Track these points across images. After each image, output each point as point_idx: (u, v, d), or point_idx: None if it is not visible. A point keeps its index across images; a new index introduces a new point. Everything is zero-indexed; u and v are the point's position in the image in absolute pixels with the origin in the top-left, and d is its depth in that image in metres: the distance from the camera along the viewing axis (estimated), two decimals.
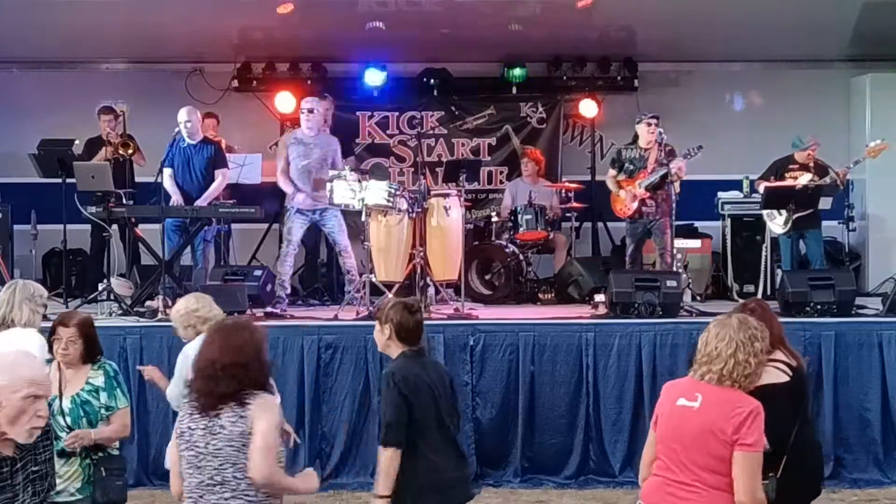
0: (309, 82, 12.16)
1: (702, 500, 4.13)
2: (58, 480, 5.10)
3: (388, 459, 4.90)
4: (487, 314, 9.35)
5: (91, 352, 5.38)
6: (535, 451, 8.48)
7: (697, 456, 4.13)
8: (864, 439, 8.42)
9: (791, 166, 10.14)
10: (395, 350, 5.14)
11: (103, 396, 5.34)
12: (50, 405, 5.07)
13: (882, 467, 8.42)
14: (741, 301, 10.24)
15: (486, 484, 8.33)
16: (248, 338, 4.33)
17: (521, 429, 8.42)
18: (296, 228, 9.77)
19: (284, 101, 11.99)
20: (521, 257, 10.74)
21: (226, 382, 4.21)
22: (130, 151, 10.63)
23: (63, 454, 5.19)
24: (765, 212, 10.16)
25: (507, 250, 10.74)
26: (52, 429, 5.07)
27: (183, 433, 4.27)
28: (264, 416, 4.22)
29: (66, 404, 5.27)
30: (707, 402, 4.17)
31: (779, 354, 5.18)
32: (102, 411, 5.33)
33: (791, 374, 5.14)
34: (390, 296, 9.01)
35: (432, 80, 12.28)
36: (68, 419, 5.25)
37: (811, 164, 10.09)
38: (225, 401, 4.20)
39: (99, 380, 5.37)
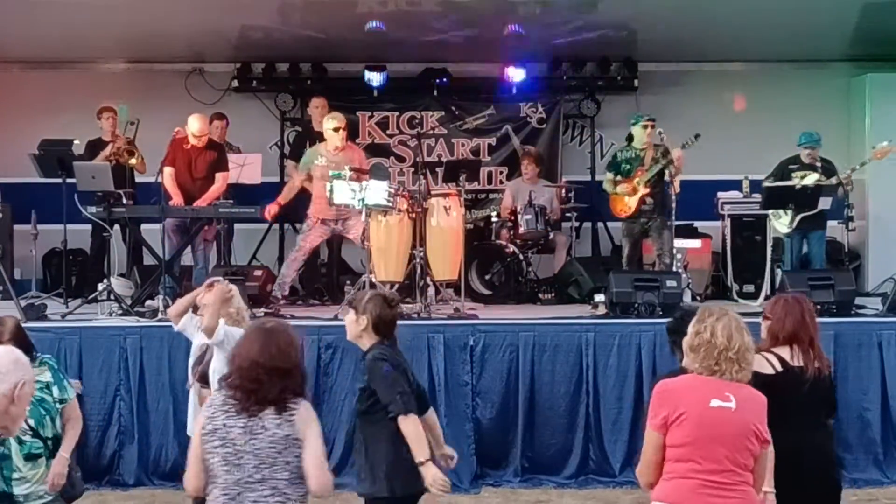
0: (309, 82, 12.18)
1: (745, 499, 4.19)
2: (27, 485, 5.15)
3: (413, 425, 5.01)
4: (487, 314, 9.35)
5: (28, 354, 5.35)
6: (535, 451, 8.48)
7: (740, 456, 4.16)
8: (863, 439, 8.41)
9: (794, 165, 10.14)
10: (367, 341, 5.19)
11: (55, 391, 5.36)
12: None
13: (882, 467, 8.43)
14: (740, 300, 10.36)
15: (486, 484, 8.34)
16: (290, 342, 4.28)
17: (521, 429, 8.42)
18: (313, 236, 9.79)
19: (284, 101, 11.99)
20: (521, 257, 10.75)
21: (268, 387, 4.15)
22: (133, 161, 10.48)
23: (30, 457, 5.20)
24: (770, 211, 10.16)
25: (507, 250, 10.74)
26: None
27: (216, 430, 4.17)
28: (313, 425, 4.22)
29: None
30: (740, 401, 4.19)
31: (783, 350, 5.14)
32: (57, 405, 5.36)
33: (780, 369, 5.08)
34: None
35: (432, 81, 12.30)
36: (31, 420, 5.20)
37: (817, 164, 10.10)
38: (266, 405, 4.16)
39: (46, 376, 5.37)
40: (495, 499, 8.16)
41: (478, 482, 8.33)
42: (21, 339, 5.27)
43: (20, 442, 5.14)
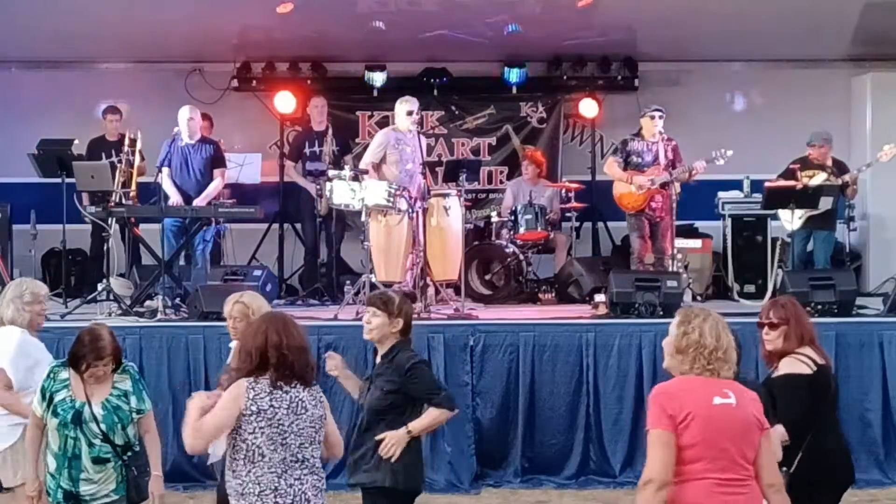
0: (309, 82, 12.17)
1: (753, 493, 4.18)
2: (93, 486, 5.27)
3: (443, 417, 5.37)
4: (487, 314, 9.34)
5: (119, 361, 5.39)
6: (535, 451, 8.48)
7: (747, 450, 4.16)
8: (864, 440, 8.40)
9: (803, 164, 10.13)
10: (391, 341, 5.33)
11: (133, 400, 5.36)
12: (80, 412, 5.11)
13: (883, 467, 8.42)
14: (741, 301, 10.35)
15: (486, 484, 8.34)
16: (297, 326, 4.68)
17: (521, 429, 8.41)
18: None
19: (284, 100, 11.99)
20: (521, 257, 10.72)
21: (300, 364, 4.53)
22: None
23: (98, 461, 5.25)
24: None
25: (507, 250, 10.72)
26: (86, 436, 5.12)
27: (263, 410, 4.43)
28: (327, 403, 4.64)
29: (98, 410, 5.24)
30: (738, 396, 4.19)
31: (807, 350, 5.24)
32: (133, 415, 5.36)
33: (815, 368, 5.19)
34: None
35: (432, 80, 12.29)
36: (103, 426, 5.23)
37: (827, 164, 10.10)
38: (295, 379, 4.49)
39: (126, 384, 5.38)
40: (495, 499, 8.15)
41: (478, 482, 8.33)
42: (119, 352, 5.36)
43: (90, 445, 5.23)
